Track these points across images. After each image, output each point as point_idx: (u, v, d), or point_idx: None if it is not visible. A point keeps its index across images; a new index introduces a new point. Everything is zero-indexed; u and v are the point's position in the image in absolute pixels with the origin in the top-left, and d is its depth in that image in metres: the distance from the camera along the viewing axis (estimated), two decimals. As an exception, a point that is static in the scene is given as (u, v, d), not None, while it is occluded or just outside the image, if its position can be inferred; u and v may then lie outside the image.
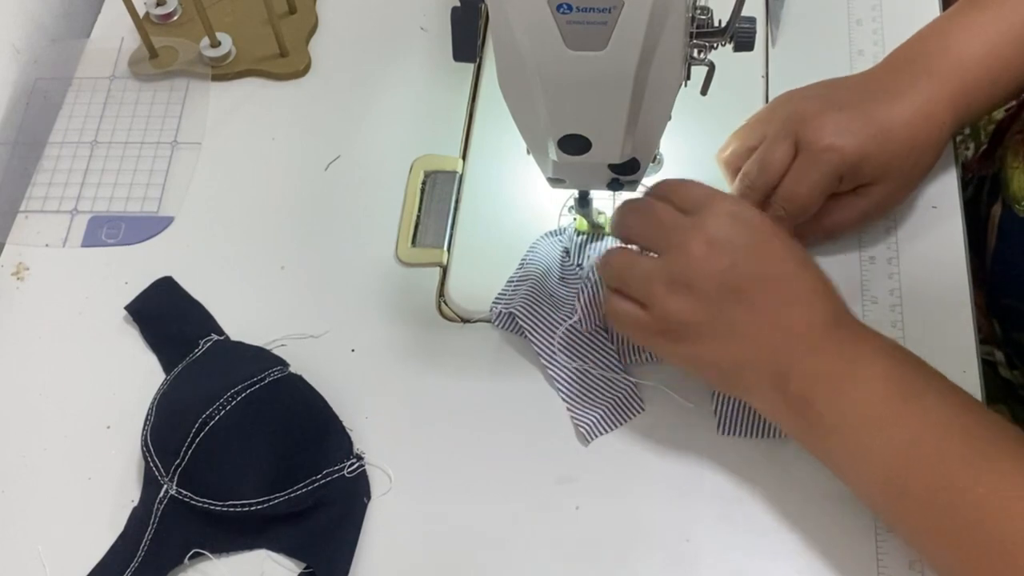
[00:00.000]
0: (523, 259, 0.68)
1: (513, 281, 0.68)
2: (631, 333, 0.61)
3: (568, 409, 0.64)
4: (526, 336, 0.65)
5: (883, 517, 0.57)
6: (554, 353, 0.65)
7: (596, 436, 0.63)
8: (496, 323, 0.67)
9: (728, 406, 0.62)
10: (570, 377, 0.64)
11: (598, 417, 0.63)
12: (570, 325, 0.64)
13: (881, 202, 0.65)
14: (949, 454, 0.51)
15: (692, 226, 0.57)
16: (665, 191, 0.60)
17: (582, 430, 0.63)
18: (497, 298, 0.67)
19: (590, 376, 0.64)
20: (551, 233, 0.70)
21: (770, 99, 0.74)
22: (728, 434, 0.62)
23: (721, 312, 0.56)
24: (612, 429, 0.63)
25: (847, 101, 0.63)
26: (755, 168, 0.64)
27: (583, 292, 0.65)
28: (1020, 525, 0.49)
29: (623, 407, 0.63)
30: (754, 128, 0.66)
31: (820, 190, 0.62)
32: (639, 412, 0.64)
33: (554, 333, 0.65)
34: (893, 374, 0.54)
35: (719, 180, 0.69)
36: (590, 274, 0.65)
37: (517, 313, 0.65)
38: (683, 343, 0.58)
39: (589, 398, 0.64)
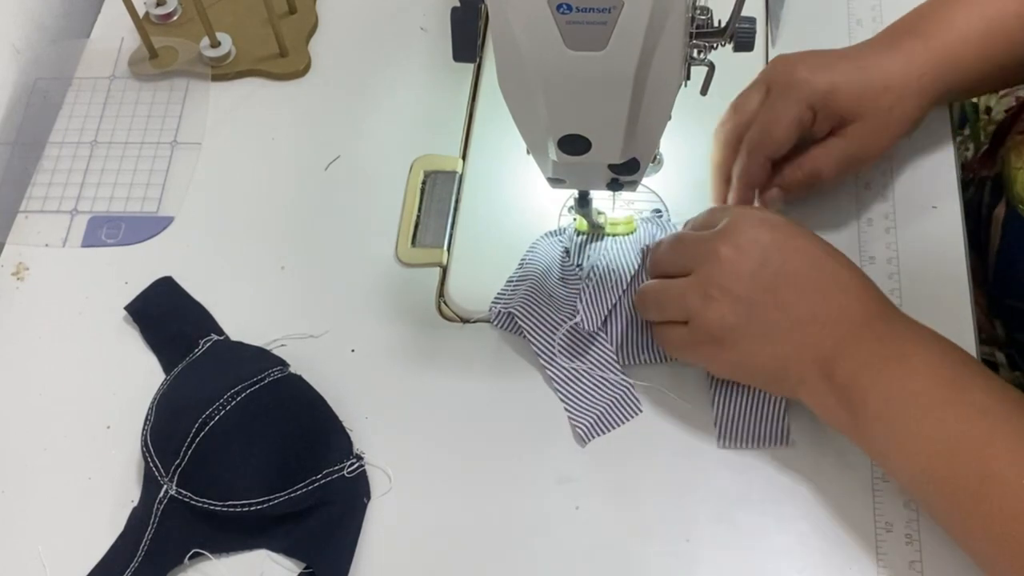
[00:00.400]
0: (523, 259, 0.68)
1: (512, 281, 0.68)
2: (681, 354, 0.62)
3: (566, 409, 0.64)
4: (525, 336, 0.65)
5: (925, 505, 0.57)
6: (553, 354, 0.65)
7: (593, 437, 0.63)
8: (495, 323, 0.67)
9: (728, 419, 0.62)
10: (568, 377, 0.64)
11: (595, 418, 0.63)
12: (571, 326, 0.64)
13: (860, 144, 0.64)
14: (995, 445, 0.51)
15: (717, 235, 0.59)
16: (689, 223, 0.64)
17: (579, 431, 0.63)
18: (496, 298, 0.67)
19: (588, 377, 0.64)
20: (551, 233, 0.70)
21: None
22: (728, 446, 0.62)
23: (758, 312, 0.57)
24: (609, 431, 0.63)
25: (829, 52, 0.64)
26: (729, 112, 0.65)
27: (583, 292, 0.65)
28: None
29: (621, 408, 0.63)
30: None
31: (791, 119, 0.62)
32: (637, 413, 0.64)
33: (553, 333, 0.65)
34: (939, 362, 0.54)
35: (719, 180, 0.69)
36: (590, 274, 0.65)
37: (516, 313, 0.65)
38: (727, 350, 0.58)
39: (587, 399, 0.64)
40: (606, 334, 0.65)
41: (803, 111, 0.62)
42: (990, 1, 0.64)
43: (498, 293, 0.67)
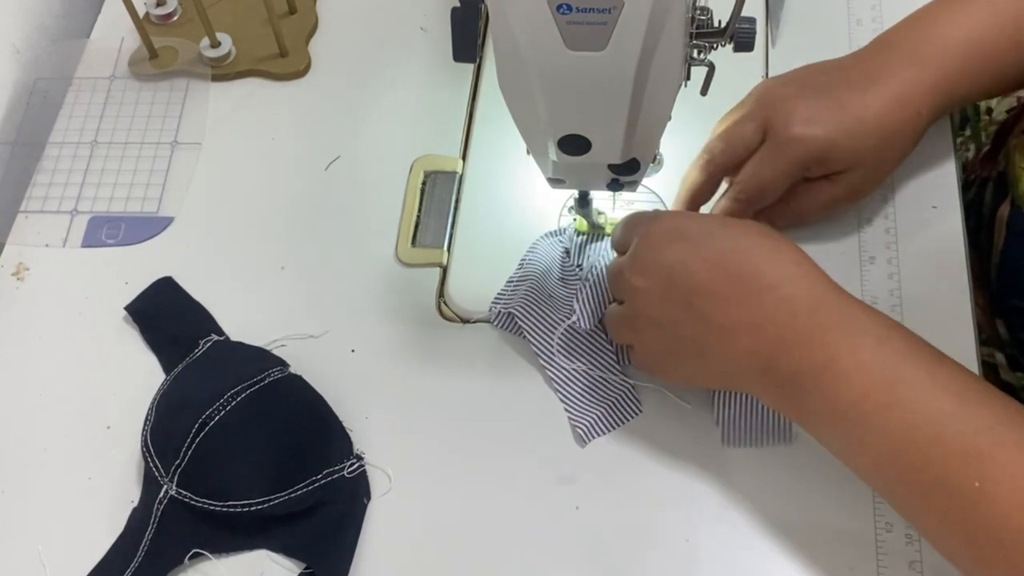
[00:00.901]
0: (523, 259, 0.68)
1: (512, 281, 0.68)
2: (643, 370, 0.63)
3: (566, 410, 0.64)
4: (525, 336, 0.65)
5: (885, 499, 0.56)
6: (553, 354, 0.65)
7: (593, 437, 0.63)
8: (495, 323, 0.67)
9: (729, 418, 0.62)
10: (568, 378, 0.64)
11: (595, 418, 0.63)
12: (569, 325, 0.64)
13: (853, 188, 0.64)
14: (941, 449, 0.50)
15: (627, 265, 0.58)
16: (613, 242, 0.63)
17: (579, 431, 0.63)
18: (496, 298, 0.67)
19: (588, 377, 0.64)
20: (551, 233, 0.70)
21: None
22: (731, 445, 0.62)
23: (681, 332, 0.56)
24: (609, 431, 0.63)
25: (822, 85, 0.63)
26: (719, 143, 0.64)
27: (580, 291, 0.65)
28: (1019, 516, 0.48)
29: (621, 409, 0.63)
30: (733, 117, 0.66)
31: (784, 178, 0.62)
32: (637, 414, 0.64)
33: (553, 334, 0.65)
34: (873, 363, 0.52)
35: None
36: (588, 275, 0.65)
37: (516, 313, 0.65)
38: (673, 372, 0.60)
39: (587, 399, 0.64)
40: (605, 335, 0.65)
41: (797, 170, 0.63)
42: (972, 14, 0.63)
43: (498, 293, 0.67)
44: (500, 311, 0.66)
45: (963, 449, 0.49)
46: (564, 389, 0.64)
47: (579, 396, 0.64)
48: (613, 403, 0.63)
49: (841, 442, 0.54)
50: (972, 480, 0.49)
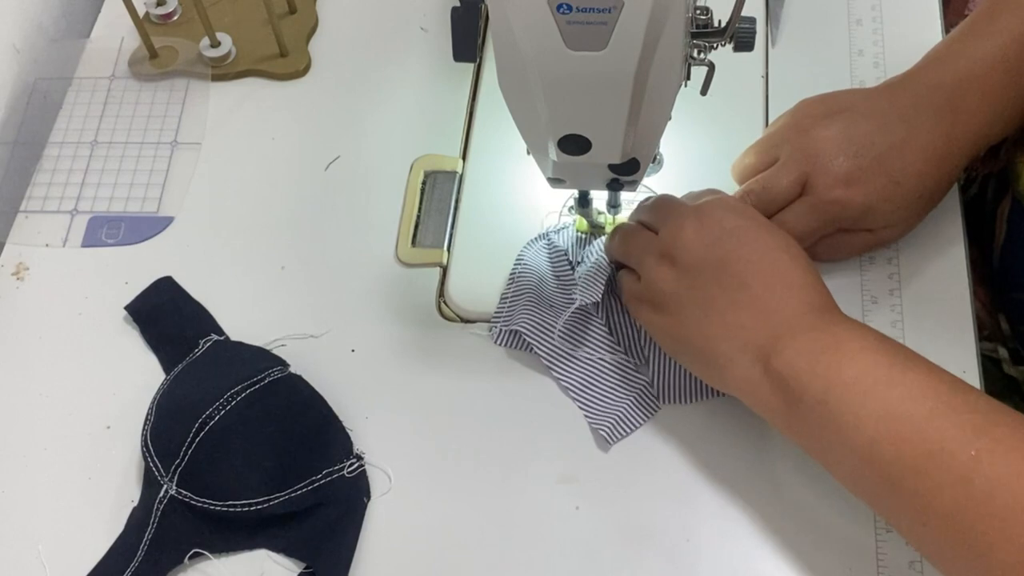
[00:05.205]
0: (512, 272, 0.68)
1: (507, 297, 0.67)
2: (626, 300, 0.64)
3: (585, 416, 0.63)
4: (534, 352, 0.65)
5: (866, 495, 0.56)
6: (565, 363, 0.64)
7: (618, 438, 0.62)
8: (498, 342, 0.66)
9: (664, 375, 0.63)
10: (584, 384, 0.64)
11: (617, 419, 0.62)
12: (572, 311, 0.64)
13: (885, 238, 0.66)
14: (938, 421, 0.51)
15: (690, 208, 0.60)
16: (680, 196, 0.65)
17: (603, 433, 0.62)
18: (495, 316, 0.67)
19: (603, 382, 0.64)
20: (534, 240, 0.69)
21: (770, 100, 0.74)
22: (668, 402, 0.63)
23: (699, 285, 0.58)
24: (633, 430, 0.63)
25: (863, 139, 0.62)
26: (757, 189, 0.64)
27: (579, 278, 0.64)
28: (1011, 487, 0.48)
29: (640, 407, 0.63)
30: (770, 144, 0.66)
31: (814, 234, 0.64)
32: (657, 410, 0.63)
33: (561, 344, 0.64)
34: (875, 348, 0.54)
35: (718, 180, 0.69)
36: (583, 260, 0.65)
37: (523, 331, 0.65)
38: (663, 313, 0.60)
39: (606, 402, 0.63)
40: (614, 336, 0.65)
41: (830, 228, 0.64)
42: (1005, 46, 0.62)
43: (495, 312, 0.67)
44: (502, 329, 0.66)
45: (960, 421, 0.51)
46: (581, 396, 0.64)
47: (598, 400, 0.64)
48: (633, 402, 0.63)
49: (835, 425, 0.53)
50: (968, 449, 0.49)
